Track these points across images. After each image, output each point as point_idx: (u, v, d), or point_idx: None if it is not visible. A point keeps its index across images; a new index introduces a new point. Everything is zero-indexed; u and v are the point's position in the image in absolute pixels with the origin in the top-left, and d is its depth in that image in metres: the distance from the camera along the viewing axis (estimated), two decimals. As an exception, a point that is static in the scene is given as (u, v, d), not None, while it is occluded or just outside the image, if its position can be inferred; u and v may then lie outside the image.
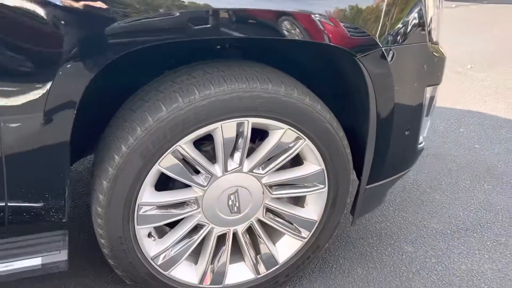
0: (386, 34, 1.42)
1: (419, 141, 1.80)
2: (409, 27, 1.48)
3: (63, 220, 1.40)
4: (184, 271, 1.59)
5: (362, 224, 2.18)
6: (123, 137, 1.31)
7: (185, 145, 1.35)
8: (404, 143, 1.70)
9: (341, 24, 1.35)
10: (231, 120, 1.36)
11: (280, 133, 1.45)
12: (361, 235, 2.11)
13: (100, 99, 1.45)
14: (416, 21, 1.49)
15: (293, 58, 1.64)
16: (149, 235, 1.49)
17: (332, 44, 1.35)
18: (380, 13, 1.40)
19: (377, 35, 1.40)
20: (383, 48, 1.42)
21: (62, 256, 1.37)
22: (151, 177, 1.37)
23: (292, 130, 1.45)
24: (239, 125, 1.39)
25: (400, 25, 1.45)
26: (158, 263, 1.51)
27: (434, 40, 1.61)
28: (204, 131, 1.36)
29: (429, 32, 1.56)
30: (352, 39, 1.38)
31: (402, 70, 1.51)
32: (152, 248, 1.50)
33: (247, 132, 1.41)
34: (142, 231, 1.45)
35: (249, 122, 1.39)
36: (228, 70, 1.38)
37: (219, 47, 1.74)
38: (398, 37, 1.45)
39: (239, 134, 1.41)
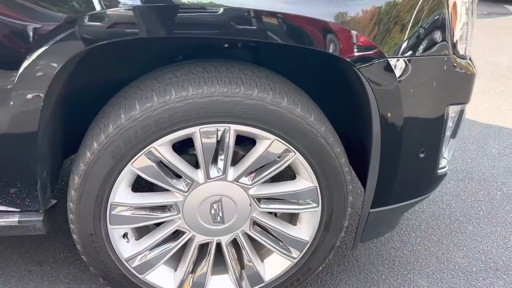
0: (394, 43, 1.25)
1: (440, 165, 1.59)
2: (426, 37, 1.29)
3: (40, 211, 1.39)
4: (161, 277, 1.52)
5: (376, 248, 2.00)
6: (96, 133, 1.27)
7: (160, 147, 1.28)
8: (418, 167, 1.51)
9: (339, 29, 1.20)
10: (210, 125, 1.27)
11: (267, 144, 1.33)
12: (372, 260, 1.93)
13: (97, 95, 1.42)
14: (435, 29, 1.30)
15: (299, 63, 1.51)
16: (125, 235, 1.44)
17: (328, 52, 1.21)
18: (387, 20, 1.23)
19: (381, 44, 1.23)
20: (388, 59, 1.25)
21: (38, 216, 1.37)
22: (125, 177, 1.32)
23: (280, 142, 1.33)
24: (221, 131, 1.29)
25: (413, 34, 1.27)
26: (133, 266, 1.46)
27: (462, 53, 1.40)
28: (181, 134, 1.28)
29: (454, 44, 1.35)
30: (351, 47, 1.22)
31: (414, 85, 1.33)
32: (127, 249, 1.44)
33: (229, 139, 1.30)
34: (115, 231, 1.40)
35: (230, 129, 1.29)
36: (214, 72, 1.28)
37: (226, 45, 1.65)
38: (410, 47, 1.27)
39: (221, 141, 1.32)
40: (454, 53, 1.37)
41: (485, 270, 1.91)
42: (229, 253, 1.53)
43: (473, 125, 3.18)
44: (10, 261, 1.81)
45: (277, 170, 1.39)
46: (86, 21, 1.11)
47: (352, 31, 1.21)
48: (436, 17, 1.28)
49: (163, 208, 1.43)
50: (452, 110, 1.48)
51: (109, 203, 1.34)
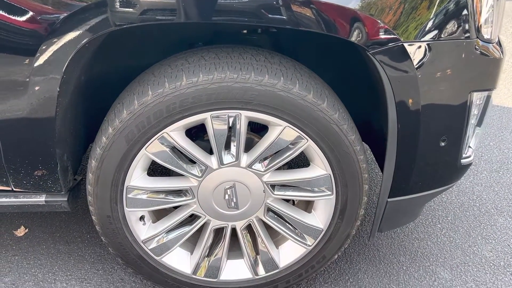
0: (409, 26, 1.20)
1: (464, 155, 1.53)
2: (445, 19, 1.23)
3: (62, 192, 1.45)
4: (178, 259, 1.56)
5: (398, 238, 1.96)
6: (111, 119, 1.30)
7: (172, 133, 1.30)
8: (439, 156, 1.46)
9: (350, 13, 1.16)
10: (221, 111, 1.27)
11: (278, 130, 1.32)
12: (393, 250, 1.89)
13: (121, 81, 1.46)
14: (456, 12, 1.23)
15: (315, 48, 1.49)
16: (141, 218, 1.48)
17: (340, 37, 1.18)
18: (401, 2, 1.18)
19: (396, 28, 1.19)
20: (404, 43, 1.21)
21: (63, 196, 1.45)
22: (140, 161, 1.35)
23: (292, 128, 1.32)
24: (232, 117, 1.29)
25: (431, 16, 1.21)
26: (150, 247, 1.50)
27: (486, 37, 1.33)
28: (193, 120, 1.29)
29: (478, 28, 1.29)
30: (364, 31, 1.19)
31: (433, 70, 1.27)
32: (144, 231, 1.49)
33: (241, 125, 1.31)
34: (132, 213, 1.44)
35: (241, 115, 1.29)
36: (226, 58, 1.28)
37: (245, 31, 1.65)
38: (428, 31, 1.22)
39: (233, 127, 1.32)
40: (478, 37, 1.30)
41: (514, 265, 1.83)
42: (244, 239, 1.55)
43: (511, 113, 3.04)
44: (41, 240, 1.91)
45: (290, 157, 1.38)
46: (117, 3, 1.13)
47: (364, 15, 1.17)
48: (457, 2, 1.22)
49: (178, 192, 1.46)
50: (477, 97, 1.41)
51: (125, 186, 1.38)
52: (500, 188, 2.29)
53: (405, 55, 1.22)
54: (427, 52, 1.24)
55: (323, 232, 1.51)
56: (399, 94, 1.28)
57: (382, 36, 1.19)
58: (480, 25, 1.29)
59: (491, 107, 1.53)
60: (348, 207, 1.46)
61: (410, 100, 1.29)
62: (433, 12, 1.22)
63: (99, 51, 1.38)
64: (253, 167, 1.40)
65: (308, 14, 1.16)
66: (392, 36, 1.19)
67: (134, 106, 1.26)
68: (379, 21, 1.18)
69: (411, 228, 2.02)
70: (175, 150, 1.37)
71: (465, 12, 1.24)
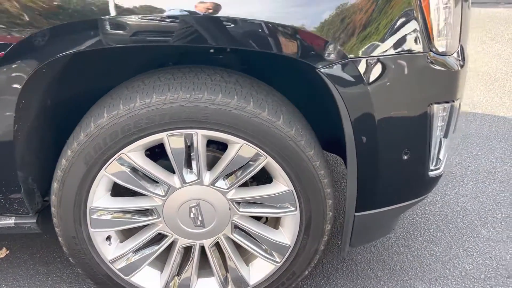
0: (356, 41, 1.21)
1: (432, 167, 1.52)
2: (393, 34, 1.23)
3: (30, 214, 1.48)
4: (147, 278, 1.56)
5: (377, 252, 1.94)
6: (70, 141, 1.32)
7: (130, 154, 1.32)
8: (403, 169, 1.45)
9: (296, 31, 1.18)
10: (176, 131, 1.29)
11: (237, 148, 1.33)
12: (372, 265, 1.87)
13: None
14: (404, 26, 1.24)
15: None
16: (108, 238, 1.49)
17: (284, 54, 1.20)
18: (348, 18, 1.19)
19: (342, 43, 1.20)
20: (351, 59, 1.21)
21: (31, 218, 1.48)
22: (101, 182, 1.36)
23: (250, 146, 1.32)
24: (188, 136, 1.31)
25: (379, 31, 1.22)
26: (118, 267, 1.51)
27: (442, 50, 1.33)
28: (150, 140, 1.31)
29: (430, 41, 1.29)
30: (310, 48, 1.20)
31: (386, 85, 1.28)
32: (110, 251, 1.50)
33: (198, 144, 1.32)
34: (97, 234, 1.45)
35: (198, 134, 1.30)
36: (181, 78, 1.30)
37: (212, 51, 1.67)
38: (377, 46, 1.22)
39: (191, 146, 1.33)
40: (431, 50, 1.30)
41: (495, 277, 1.80)
42: (213, 257, 1.55)
43: (502, 122, 3.00)
44: (21, 261, 1.93)
45: (251, 174, 1.39)
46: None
47: (310, 32, 1.18)
48: (404, 13, 1.23)
49: (144, 212, 1.47)
50: (438, 109, 1.41)
51: (88, 207, 1.39)
52: (485, 199, 2.26)
53: (354, 71, 1.23)
54: (377, 67, 1.25)
55: (290, 249, 1.51)
56: (353, 110, 1.28)
57: (329, 52, 1.20)
58: (433, 38, 1.29)
59: (457, 116, 1.52)
60: (313, 223, 1.46)
61: (365, 116, 1.30)
62: (381, 27, 1.22)
63: (65, 75, 1.41)
64: (216, 184, 1.41)
65: (252, 34, 1.18)
66: (339, 52, 1.20)
67: (90, 128, 1.28)
68: (324, 38, 1.19)
69: (391, 241, 2.00)
70: (136, 170, 1.38)
71: (414, 26, 1.25)
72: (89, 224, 1.42)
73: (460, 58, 1.44)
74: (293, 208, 1.44)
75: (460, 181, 2.39)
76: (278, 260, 1.53)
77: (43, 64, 1.18)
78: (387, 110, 1.31)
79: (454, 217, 2.14)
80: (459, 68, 1.39)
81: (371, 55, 1.23)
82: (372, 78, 1.25)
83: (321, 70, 1.21)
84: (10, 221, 1.50)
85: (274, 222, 1.60)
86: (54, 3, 1.15)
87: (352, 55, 1.21)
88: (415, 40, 1.27)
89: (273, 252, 1.52)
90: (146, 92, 1.26)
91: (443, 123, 1.48)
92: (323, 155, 1.43)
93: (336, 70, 1.22)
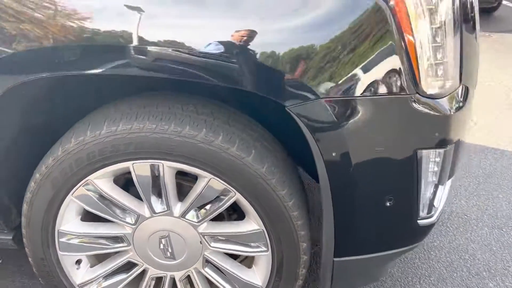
0: (329, 80, 1.13)
1: (423, 214, 1.41)
2: (373, 74, 1.14)
3: (5, 231, 1.48)
4: (117, 306, 1.53)
5: (368, 298, 1.82)
6: (40, 164, 1.32)
7: (97, 180, 1.29)
8: (387, 216, 1.35)
9: (262, 66, 1.12)
10: (142, 161, 1.25)
11: (205, 182, 1.28)
12: (361, 311, 1.75)
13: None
14: (385, 66, 1.15)
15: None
16: (78, 262, 1.47)
17: (252, 91, 1.14)
18: (321, 56, 1.11)
19: (312, 81, 1.12)
20: (323, 99, 1.13)
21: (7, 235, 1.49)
22: (70, 206, 1.35)
23: (217, 181, 1.27)
24: (154, 167, 1.27)
25: (356, 70, 1.13)
26: (87, 292, 1.49)
27: (431, 92, 1.23)
28: (116, 168, 1.28)
29: (416, 82, 1.19)
30: (279, 86, 1.13)
31: (363, 127, 1.18)
32: (80, 275, 1.47)
33: (164, 175, 1.28)
34: (66, 257, 1.44)
35: (164, 166, 1.26)
36: (151, 107, 1.27)
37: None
38: (351, 86, 1.14)
39: (158, 176, 1.29)
40: (418, 93, 1.20)
41: None
42: (183, 290, 1.50)
43: (531, 163, 2.78)
44: (10, 272, 1.95)
45: (221, 209, 1.33)
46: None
47: (280, 70, 1.12)
48: (385, 51, 1.13)
49: (115, 238, 1.44)
50: (429, 155, 1.30)
51: (56, 231, 1.38)
52: (498, 248, 2.08)
53: (325, 112, 1.15)
54: (353, 108, 1.16)
55: (262, 290, 1.43)
56: (325, 151, 1.20)
57: (298, 91, 1.13)
58: (419, 79, 1.19)
59: (454, 160, 1.40)
60: (285, 266, 1.38)
61: (339, 158, 1.21)
62: (358, 66, 1.14)
63: (45, 96, 1.41)
64: (186, 217, 1.36)
65: (219, 68, 1.13)
66: (309, 91, 1.13)
67: (58, 152, 1.27)
68: (293, 76, 1.12)
69: (387, 286, 1.87)
70: (105, 197, 1.36)
71: (396, 65, 1.15)
72: (58, 247, 1.41)
73: (461, 99, 1.34)
74: (265, 248, 1.36)
75: (474, 226, 2.22)
76: (249, 300, 1.45)
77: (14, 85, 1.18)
78: (364, 153, 1.22)
79: (461, 265, 1.98)
80: (453, 112, 1.27)
81: (345, 95, 1.14)
82: (346, 120, 1.16)
83: (290, 109, 1.15)
84: (-14, 237, 1.51)
85: (250, 261, 1.52)
86: None
87: (323, 95, 1.13)
88: (397, 81, 1.17)
89: (245, 292, 1.45)
90: (114, 120, 1.24)
91: (436, 169, 1.37)
92: (300, 195, 1.35)
93: (306, 110, 1.15)
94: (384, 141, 1.23)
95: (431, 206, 1.45)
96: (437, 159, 1.35)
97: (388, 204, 1.32)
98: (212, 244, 1.40)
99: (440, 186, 1.43)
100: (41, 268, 1.45)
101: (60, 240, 1.40)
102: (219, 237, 1.40)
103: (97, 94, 1.44)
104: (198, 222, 1.36)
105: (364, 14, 1.12)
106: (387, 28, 1.13)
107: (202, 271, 1.45)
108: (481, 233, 2.18)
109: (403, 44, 1.15)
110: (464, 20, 1.39)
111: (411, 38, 1.15)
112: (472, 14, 1.43)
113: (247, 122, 1.34)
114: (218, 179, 1.26)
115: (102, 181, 1.30)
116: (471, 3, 1.41)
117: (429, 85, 1.23)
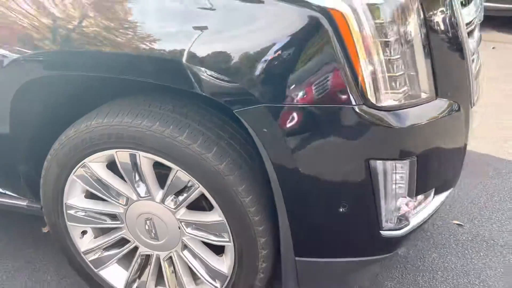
0: (272, 87, 1.22)
1: (388, 225, 1.42)
2: (315, 82, 1.20)
3: (34, 201, 1.81)
4: (113, 275, 1.76)
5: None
6: (52, 147, 1.59)
7: (91, 164, 1.53)
8: (341, 222, 1.39)
9: (213, 72, 1.25)
10: (123, 150, 1.46)
11: (173, 173, 1.45)
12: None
13: None
14: (328, 74, 1.20)
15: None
16: (83, 232, 1.73)
17: (204, 94, 1.28)
18: (262, 62, 1.21)
19: (255, 89, 1.23)
20: (265, 105, 1.23)
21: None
22: (73, 184, 1.60)
23: (184, 173, 1.43)
24: (133, 156, 1.47)
25: (297, 78, 1.21)
26: (89, 259, 1.74)
27: (383, 104, 1.25)
28: (105, 154, 1.50)
29: (363, 93, 1.23)
30: (225, 90, 1.26)
31: (309, 135, 1.26)
32: (84, 244, 1.73)
33: (141, 164, 1.47)
34: (73, 227, 1.70)
35: (140, 155, 1.45)
36: (133, 105, 1.47)
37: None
38: (293, 94, 1.22)
39: (136, 164, 1.49)
40: (365, 104, 1.24)
41: None
42: (166, 269, 1.68)
43: None
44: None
45: (189, 198, 1.48)
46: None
47: (227, 76, 1.24)
48: (328, 63, 1.20)
49: (112, 216, 1.67)
50: (385, 166, 1.32)
51: (64, 204, 1.65)
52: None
53: (269, 117, 1.24)
54: (298, 115, 1.24)
55: (228, 278, 1.56)
56: (274, 155, 1.29)
57: (243, 97, 1.24)
58: (365, 90, 1.23)
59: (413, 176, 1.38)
60: (245, 258, 1.49)
61: (287, 163, 1.30)
62: (303, 75, 1.21)
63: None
64: (166, 203, 1.54)
65: (173, 72, 1.29)
66: (252, 97, 1.23)
67: (62, 138, 1.53)
68: (239, 81, 1.23)
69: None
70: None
71: (341, 77, 1.21)
72: (66, 217, 1.68)
73: (439, 112, 1.35)
74: (227, 239, 1.49)
75: (497, 251, 2.08)
76: (218, 286, 1.59)
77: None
78: (312, 160, 1.29)
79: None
80: (410, 125, 1.28)
81: (288, 103, 1.23)
82: (290, 126, 1.25)
83: (237, 113, 1.26)
84: (23, 203, 1.85)
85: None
86: None
87: (266, 101, 1.23)
88: (342, 92, 1.22)
89: (216, 279, 1.59)
90: (103, 114, 1.46)
91: (401, 181, 1.38)
92: (260, 192, 1.45)
93: (252, 115, 1.25)
94: (332, 149, 1.29)
95: (400, 218, 1.45)
96: (401, 171, 1.36)
97: (341, 210, 1.36)
98: (188, 230, 1.56)
99: (412, 199, 1.43)
100: (54, 232, 1.74)
101: (68, 212, 1.67)
102: (194, 224, 1.56)
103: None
104: (175, 208, 1.53)
105: (308, 26, 1.20)
106: (329, 40, 1.19)
107: (181, 254, 1.62)
108: (503, 261, 2.03)
109: (346, 56, 1.20)
110: (443, 33, 1.38)
111: (355, 50, 1.20)
112: (457, 29, 1.41)
113: (220, 122, 1.48)
114: (183, 171, 1.42)
115: (96, 164, 1.54)
116: (454, 20, 1.39)
117: (382, 97, 1.26)
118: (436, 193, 1.58)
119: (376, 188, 1.34)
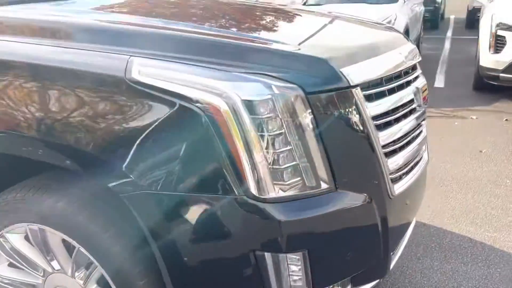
0: (150, 175, 1.26)
1: None
2: (193, 173, 1.24)
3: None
4: None
5: None
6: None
7: (8, 234, 1.58)
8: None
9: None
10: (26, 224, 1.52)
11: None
12: None
13: None
14: (208, 167, 1.23)
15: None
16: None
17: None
18: (141, 149, 1.26)
19: (132, 172, 1.27)
20: (146, 191, 1.26)
21: None
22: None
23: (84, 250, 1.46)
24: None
25: (176, 168, 1.24)
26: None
27: (265, 196, 1.24)
28: (20, 226, 1.55)
29: (242, 184, 1.22)
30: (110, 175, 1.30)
31: (188, 223, 1.28)
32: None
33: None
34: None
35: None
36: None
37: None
38: (172, 182, 1.24)
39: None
40: (246, 195, 1.23)
41: None
42: None
43: None
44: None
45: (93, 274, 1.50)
46: None
47: (111, 160, 1.29)
48: (209, 154, 1.22)
49: (33, 285, 1.69)
50: (275, 258, 1.29)
51: (-10, 273, 1.70)
52: None
53: (150, 203, 1.27)
54: (177, 202, 1.26)
55: None
56: (156, 236, 1.30)
57: (124, 180, 1.28)
58: (247, 181, 1.23)
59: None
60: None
61: (170, 246, 1.30)
62: (184, 164, 1.24)
63: None
64: (75, 277, 1.55)
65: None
66: (129, 179, 1.27)
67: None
68: (119, 165, 1.28)
69: None
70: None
71: (220, 168, 1.22)
72: (-10, 283, 1.72)
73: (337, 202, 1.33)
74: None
75: None
76: None
77: None
78: (197, 249, 1.30)
79: None
80: (287, 218, 1.26)
81: (165, 190, 1.25)
82: (168, 214, 1.27)
83: (122, 195, 1.30)
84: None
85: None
86: None
87: (145, 188, 1.26)
88: (221, 182, 1.23)
89: None
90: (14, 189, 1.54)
91: (300, 274, 1.34)
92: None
93: (133, 198, 1.28)
94: (217, 239, 1.28)
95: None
96: (296, 263, 1.32)
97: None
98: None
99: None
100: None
101: (-6, 279, 1.71)
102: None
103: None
104: (84, 284, 1.55)
105: (190, 119, 1.23)
106: (208, 132, 1.22)
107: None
108: None
109: (225, 148, 1.21)
110: (342, 127, 1.36)
111: (234, 143, 1.22)
112: (361, 123, 1.38)
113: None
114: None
115: (13, 235, 1.59)
116: (356, 115, 1.37)
117: (266, 188, 1.25)
118: (355, 285, 1.52)
119: (267, 280, 1.31)
